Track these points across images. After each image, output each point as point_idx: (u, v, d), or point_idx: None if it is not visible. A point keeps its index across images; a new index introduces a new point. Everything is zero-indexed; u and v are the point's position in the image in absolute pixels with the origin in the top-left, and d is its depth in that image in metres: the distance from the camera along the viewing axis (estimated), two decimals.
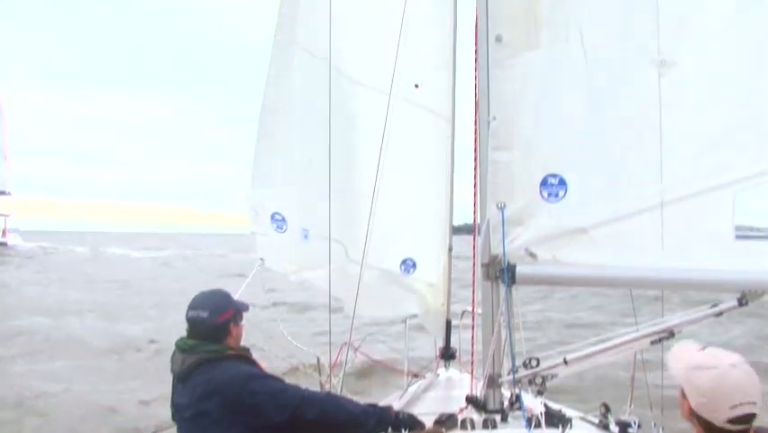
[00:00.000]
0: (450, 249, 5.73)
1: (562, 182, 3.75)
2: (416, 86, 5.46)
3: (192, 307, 3.64)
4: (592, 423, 4.10)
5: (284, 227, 5.66)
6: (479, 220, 4.01)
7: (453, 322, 6.03)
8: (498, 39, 3.85)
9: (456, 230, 5.79)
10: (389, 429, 3.59)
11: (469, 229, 4.58)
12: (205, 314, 3.59)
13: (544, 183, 3.76)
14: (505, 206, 3.75)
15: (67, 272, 39.64)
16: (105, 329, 18.63)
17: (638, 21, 3.69)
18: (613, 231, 3.69)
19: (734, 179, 3.51)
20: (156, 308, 22.36)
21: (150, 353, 15.21)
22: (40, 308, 22.43)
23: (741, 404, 2.35)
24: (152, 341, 16.16)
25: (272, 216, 5.68)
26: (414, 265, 5.74)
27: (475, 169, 4.02)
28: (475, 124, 4.03)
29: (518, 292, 3.81)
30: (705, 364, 2.44)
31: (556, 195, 3.75)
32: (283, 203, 5.64)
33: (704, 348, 2.55)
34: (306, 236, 5.62)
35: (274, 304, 5.72)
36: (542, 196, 3.77)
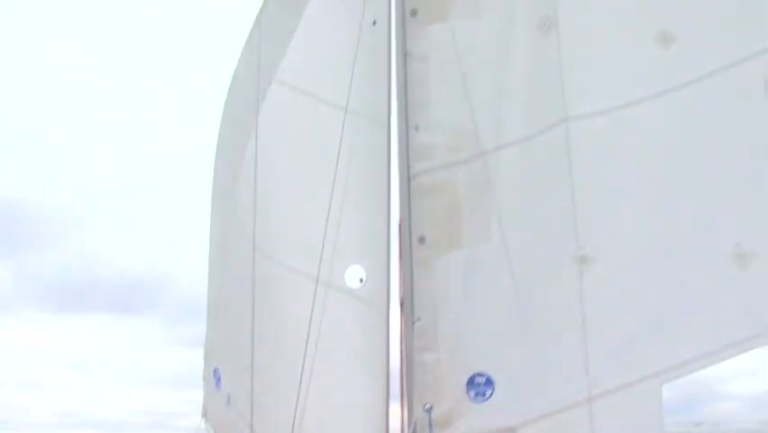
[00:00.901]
0: None
1: (489, 381, 3.72)
2: (361, 280, 5.46)
3: None
4: None
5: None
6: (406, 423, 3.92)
7: None
8: (422, 240, 3.95)
9: None
10: None
11: None
12: None
13: (470, 383, 3.73)
14: (432, 408, 3.70)
15: None
16: None
17: (557, 218, 3.82)
18: (543, 428, 3.63)
19: (658, 370, 3.53)
20: None
21: None
22: None
23: None
24: None
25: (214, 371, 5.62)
26: None
27: (401, 370, 3.99)
28: (401, 324, 4.04)
29: None
30: None
31: (483, 394, 3.71)
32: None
33: None
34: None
35: None
36: (469, 396, 3.72)
